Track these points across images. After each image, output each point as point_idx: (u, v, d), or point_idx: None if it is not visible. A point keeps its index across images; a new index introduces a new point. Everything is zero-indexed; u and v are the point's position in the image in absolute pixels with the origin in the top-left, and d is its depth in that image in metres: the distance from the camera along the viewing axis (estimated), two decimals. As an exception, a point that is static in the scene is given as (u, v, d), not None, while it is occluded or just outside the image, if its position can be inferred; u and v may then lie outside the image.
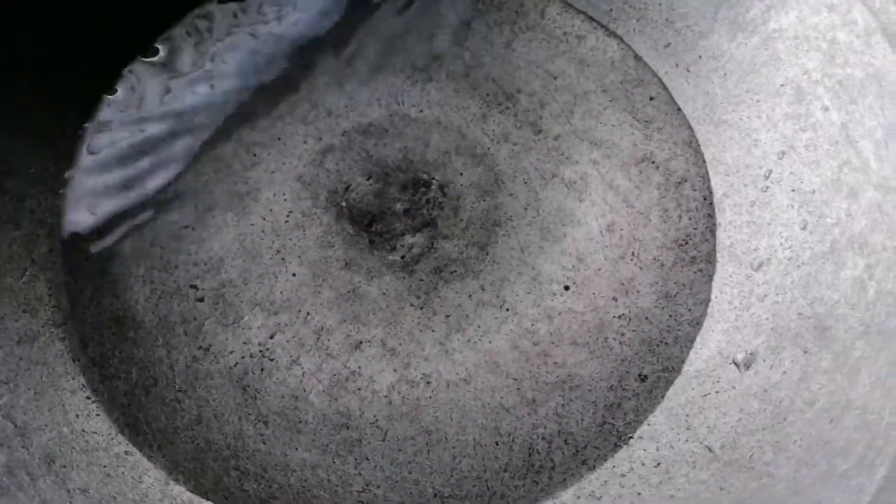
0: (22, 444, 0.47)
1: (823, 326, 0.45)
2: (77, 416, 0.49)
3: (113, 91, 0.58)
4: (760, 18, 0.55)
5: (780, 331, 0.47)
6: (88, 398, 0.50)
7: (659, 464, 0.46)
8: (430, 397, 0.50)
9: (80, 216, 0.55)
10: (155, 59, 0.59)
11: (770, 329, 0.47)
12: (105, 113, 0.58)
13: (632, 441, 0.48)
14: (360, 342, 0.52)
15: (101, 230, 0.55)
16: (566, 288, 0.53)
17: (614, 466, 0.47)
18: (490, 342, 0.51)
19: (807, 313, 0.46)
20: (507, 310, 0.52)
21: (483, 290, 0.52)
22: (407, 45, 0.59)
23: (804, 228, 0.50)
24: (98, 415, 0.50)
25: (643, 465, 0.46)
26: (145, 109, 0.58)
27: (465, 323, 0.52)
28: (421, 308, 0.52)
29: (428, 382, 0.51)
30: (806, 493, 0.39)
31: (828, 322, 0.45)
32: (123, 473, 0.48)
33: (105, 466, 0.48)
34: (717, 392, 0.47)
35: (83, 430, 0.49)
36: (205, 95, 0.58)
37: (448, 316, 0.52)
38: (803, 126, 0.52)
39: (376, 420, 0.50)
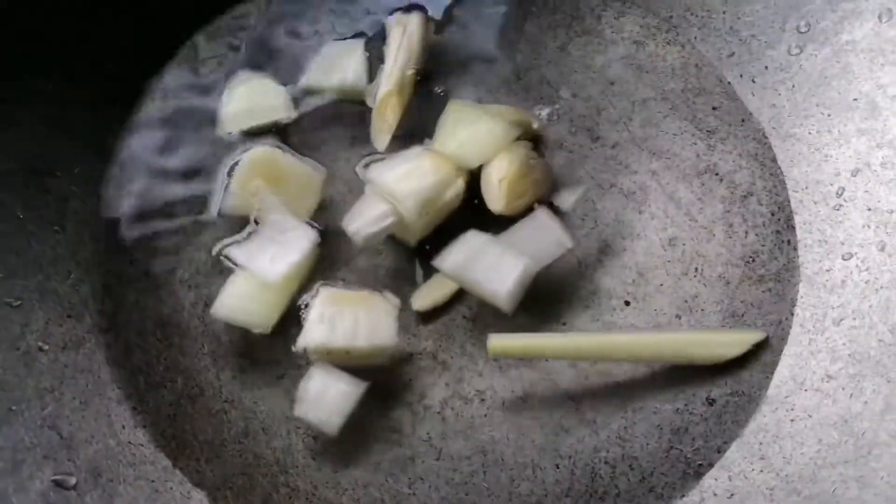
0: (68, 457, 0.45)
1: (906, 354, 0.44)
2: (123, 426, 0.48)
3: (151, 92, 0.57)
4: (832, 29, 0.53)
5: (858, 357, 0.45)
6: (134, 408, 0.49)
7: (732, 495, 0.44)
8: (485, 415, 0.49)
9: (123, 215, 0.54)
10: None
11: (848, 355, 0.46)
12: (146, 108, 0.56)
13: (701, 468, 0.46)
14: (411, 355, 0.50)
15: (144, 231, 0.53)
16: (626, 304, 0.51)
17: (684, 496, 0.45)
18: (547, 359, 0.50)
19: (888, 340, 0.45)
20: (564, 324, 0.50)
21: (539, 302, 0.51)
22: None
23: (882, 250, 0.48)
24: (144, 426, 0.48)
25: (715, 495, 0.45)
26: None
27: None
28: (473, 321, 0.51)
29: (482, 399, 0.49)
30: (896, 534, 0.37)
31: (912, 350, 0.43)
32: (172, 489, 0.46)
33: (153, 481, 0.46)
34: (791, 420, 0.45)
35: (130, 442, 0.47)
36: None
37: (501, 330, 0.50)
38: (879, 143, 0.50)
39: (430, 437, 0.48)
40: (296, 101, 0.56)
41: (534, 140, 0.54)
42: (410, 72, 0.55)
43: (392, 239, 0.52)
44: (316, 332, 0.47)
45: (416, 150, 0.51)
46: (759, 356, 0.48)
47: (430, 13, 0.57)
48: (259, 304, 0.49)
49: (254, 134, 0.54)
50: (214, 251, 0.52)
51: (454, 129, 0.51)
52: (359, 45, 0.57)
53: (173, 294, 0.51)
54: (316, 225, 0.51)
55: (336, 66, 0.56)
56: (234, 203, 0.51)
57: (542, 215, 0.50)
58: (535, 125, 0.54)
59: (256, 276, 0.48)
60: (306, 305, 0.50)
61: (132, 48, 0.56)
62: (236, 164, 0.52)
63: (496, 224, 0.50)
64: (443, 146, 0.51)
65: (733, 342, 0.49)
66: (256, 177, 0.50)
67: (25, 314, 0.49)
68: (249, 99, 0.55)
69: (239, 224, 0.52)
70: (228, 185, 0.52)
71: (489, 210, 0.50)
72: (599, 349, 0.48)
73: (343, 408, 0.46)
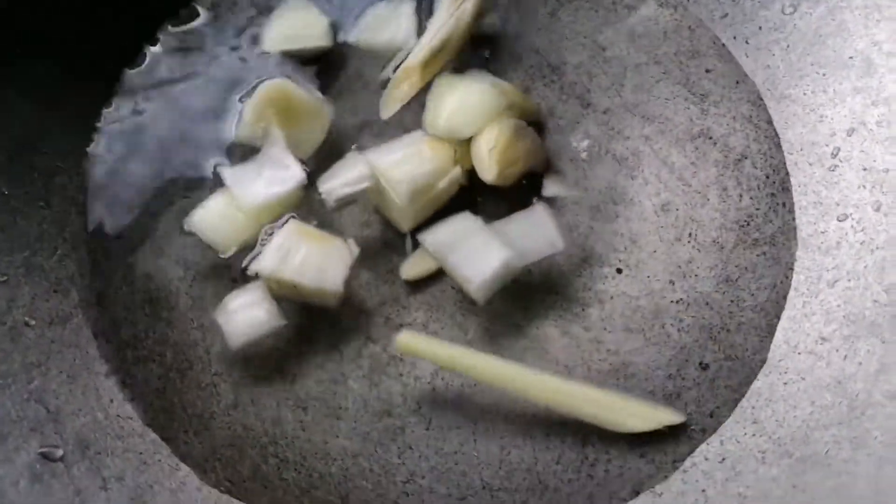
0: (55, 430, 0.45)
1: (902, 315, 0.43)
2: (111, 400, 0.48)
3: (138, 64, 0.56)
4: (827, -14, 0.51)
5: (853, 318, 0.44)
6: (123, 382, 0.48)
7: (724, 459, 0.44)
8: (474, 385, 0.48)
9: (108, 192, 0.53)
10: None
11: (842, 317, 0.45)
12: (130, 84, 0.56)
13: (694, 434, 0.46)
14: (401, 325, 0.49)
15: (131, 207, 0.53)
16: (619, 271, 0.50)
17: (675, 461, 0.45)
18: (537, 328, 0.49)
19: (883, 300, 0.44)
20: (556, 293, 0.50)
21: (529, 272, 0.50)
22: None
23: (878, 210, 0.47)
24: (133, 399, 0.48)
25: (707, 459, 0.44)
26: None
27: (511, 307, 0.49)
28: (462, 291, 0.50)
29: (473, 369, 0.48)
30: (890, 493, 0.36)
31: (907, 310, 0.43)
32: (160, 461, 0.46)
33: (141, 453, 0.46)
34: (784, 384, 0.45)
35: (118, 416, 0.47)
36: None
37: (492, 300, 0.50)
38: (874, 101, 0.49)
39: (419, 407, 0.48)
40: (334, 29, 0.56)
41: (533, 124, 0.52)
42: (445, 56, 0.53)
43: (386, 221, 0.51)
44: (269, 259, 0.47)
45: (417, 135, 0.50)
46: (754, 321, 0.47)
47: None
48: (229, 227, 0.49)
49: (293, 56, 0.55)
50: (212, 167, 0.53)
51: (442, 100, 0.50)
52: (410, 5, 0.56)
53: (161, 269, 0.51)
54: (306, 169, 0.50)
55: (386, 24, 0.55)
56: (245, 132, 0.51)
57: (539, 211, 0.49)
58: (531, 105, 0.53)
59: (234, 197, 0.49)
60: (271, 234, 0.50)
61: (117, 25, 0.55)
62: (251, 91, 0.53)
63: (498, 213, 0.49)
64: (433, 118, 0.50)
65: (645, 416, 0.45)
66: (268, 108, 0.50)
67: (12, 290, 0.49)
68: (292, 24, 0.56)
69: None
70: (241, 114, 0.52)
71: (492, 198, 0.50)
72: (501, 378, 0.46)
73: (251, 332, 0.47)
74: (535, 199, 0.51)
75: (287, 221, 0.49)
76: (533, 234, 0.48)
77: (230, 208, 0.49)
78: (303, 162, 0.50)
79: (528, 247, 0.48)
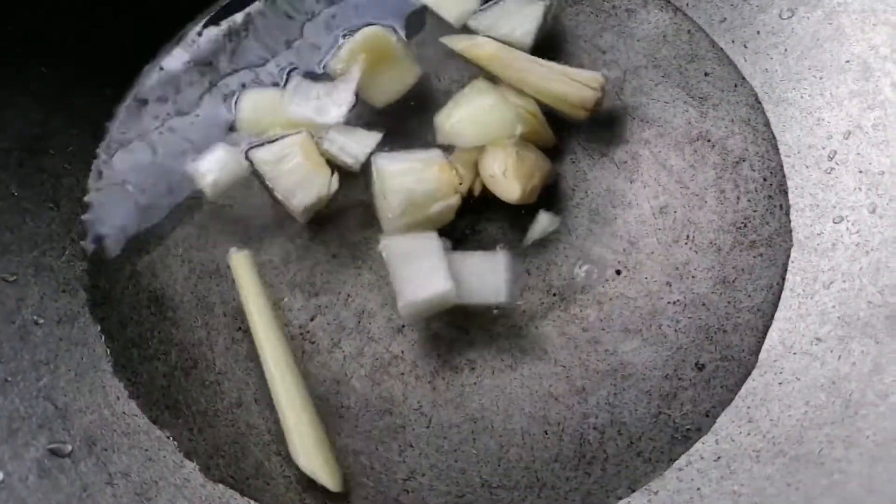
0: (63, 427, 0.46)
1: None
2: (118, 398, 0.48)
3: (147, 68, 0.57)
4: (824, -9, 0.52)
5: (847, 319, 0.45)
6: (129, 380, 0.49)
7: (719, 458, 0.44)
8: (474, 383, 0.49)
9: (113, 193, 0.54)
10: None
11: (837, 318, 0.45)
12: (142, 89, 0.57)
13: (689, 433, 0.46)
14: (403, 326, 0.50)
15: (134, 206, 0.54)
16: (617, 272, 0.51)
17: (671, 459, 0.45)
18: (536, 328, 0.50)
19: (877, 301, 0.44)
20: (555, 294, 0.50)
21: (529, 273, 0.51)
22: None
23: (873, 212, 0.47)
24: (138, 397, 0.49)
25: (702, 458, 0.45)
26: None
27: (510, 307, 0.50)
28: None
29: (472, 368, 0.49)
30: (881, 492, 0.37)
31: (901, 311, 0.43)
32: (165, 457, 0.47)
33: (146, 450, 0.47)
34: (780, 384, 0.45)
35: (124, 413, 0.48)
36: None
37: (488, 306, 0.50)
38: (871, 104, 0.49)
39: (420, 406, 0.48)
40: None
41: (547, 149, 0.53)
42: None
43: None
44: (265, 152, 0.51)
45: (433, 153, 0.50)
46: (750, 322, 0.48)
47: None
48: (263, 117, 0.54)
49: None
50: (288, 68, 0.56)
51: (461, 104, 0.52)
52: (540, 8, 0.55)
53: (167, 268, 0.52)
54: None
55: (509, 18, 0.56)
56: (335, 66, 0.54)
57: (499, 258, 0.49)
58: (549, 135, 0.53)
59: (284, 100, 0.54)
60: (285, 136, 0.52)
61: (128, 30, 0.56)
62: (354, 31, 0.54)
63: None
64: (445, 117, 0.51)
65: None
66: (363, 49, 0.53)
67: (21, 289, 0.50)
68: None
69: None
70: (340, 48, 0.54)
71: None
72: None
73: (220, 181, 0.52)
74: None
75: (301, 132, 0.52)
76: (484, 277, 0.49)
77: (276, 104, 0.54)
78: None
79: (473, 287, 0.48)
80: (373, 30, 0.53)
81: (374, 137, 0.51)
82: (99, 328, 0.50)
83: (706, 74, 0.55)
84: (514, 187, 0.49)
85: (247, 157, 0.52)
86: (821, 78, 0.52)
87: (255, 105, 0.55)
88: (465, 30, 0.56)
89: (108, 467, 0.45)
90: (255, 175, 0.52)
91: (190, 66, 0.57)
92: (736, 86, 0.54)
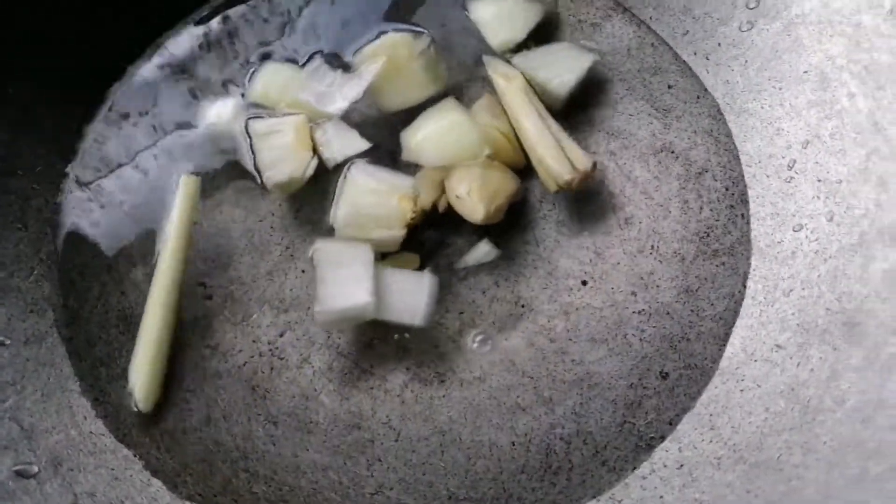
0: (28, 447, 0.46)
1: (853, 322, 0.44)
2: (85, 417, 0.48)
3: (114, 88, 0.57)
4: (782, 3, 0.53)
5: (806, 326, 0.45)
6: (96, 399, 0.49)
7: (682, 465, 0.44)
8: (443, 396, 0.49)
9: (83, 213, 0.54)
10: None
11: (796, 325, 0.46)
12: (111, 108, 0.57)
13: (653, 441, 0.46)
14: (372, 339, 0.50)
15: (105, 225, 0.54)
16: (583, 283, 0.51)
17: (635, 468, 0.46)
18: (505, 339, 0.50)
19: (835, 308, 0.45)
20: (523, 306, 0.51)
21: (497, 285, 0.51)
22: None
23: (831, 220, 0.48)
24: (105, 417, 0.49)
25: (665, 466, 0.45)
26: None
27: (479, 319, 0.50)
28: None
29: (441, 381, 0.49)
30: (838, 497, 0.37)
31: (857, 318, 0.44)
32: (132, 476, 0.47)
33: (113, 469, 0.47)
34: (741, 391, 0.46)
35: (91, 432, 0.48)
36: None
37: (461, 312, 0.51)
38: (828, 114, 0.50)
39: (389, 420, 0.49)
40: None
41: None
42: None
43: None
44: (262, 124, 0.53)
45: (402, 180, 0.51)
46: (713, 330, 0.48)
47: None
48: (274, 90, 0.55)
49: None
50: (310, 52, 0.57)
51: (428, 121, 0.52)
52: (589, 58, 0.55)
53: (136, 287, 0.52)
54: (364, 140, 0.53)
55: (554, 66, 0.55)
56: (359, 60, 0.54)
57: (425, 280, 0.49)
58: (519, 158, 0.53)
59: (299, 81, 0.55)
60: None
61: (96, 48, 0.56)
62: (382, 34, 0.55)
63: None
64: (411, 134, 0.51)
65: None
66: (388, 50, 0.54)
67: (-12, 311, 0.50)
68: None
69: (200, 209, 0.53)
70: (363, 48, 0.55)
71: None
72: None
73: (217, 128, 0.55)
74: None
75: (300, 115, 0.52)
76: (405, 296, 0.48)
77: (290, 82, 0.55)
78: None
79: (392, 304, 0.48)
80: (399, 36, 0.54)
81: (359, 145, 0.52)
82: (66, 348, 0.51)
83: (669, 87, 0.56)
84: (478, 208, 0.49)
85: (245, 124, 0.53)
86: (780, 88, 0.52)
87: (271, 78, 0.56)
88: (507, 59, 0.56)
89: (73, 487, 0.45)
90: (242, 138, 0.53)
91: (167, 73, 0.57)
92: (698, 97, 0.55)
